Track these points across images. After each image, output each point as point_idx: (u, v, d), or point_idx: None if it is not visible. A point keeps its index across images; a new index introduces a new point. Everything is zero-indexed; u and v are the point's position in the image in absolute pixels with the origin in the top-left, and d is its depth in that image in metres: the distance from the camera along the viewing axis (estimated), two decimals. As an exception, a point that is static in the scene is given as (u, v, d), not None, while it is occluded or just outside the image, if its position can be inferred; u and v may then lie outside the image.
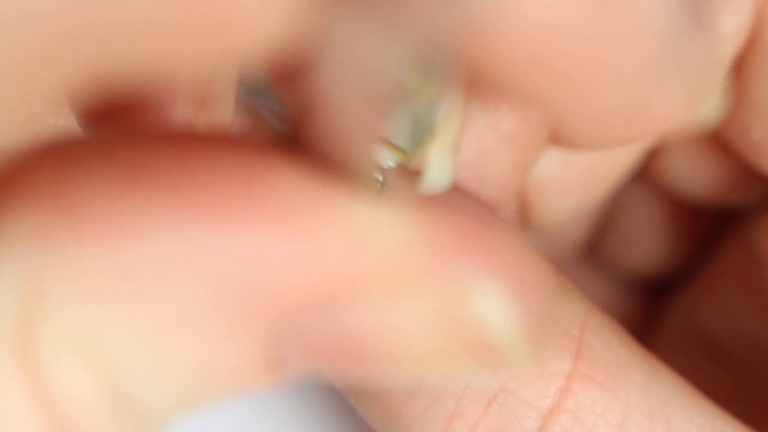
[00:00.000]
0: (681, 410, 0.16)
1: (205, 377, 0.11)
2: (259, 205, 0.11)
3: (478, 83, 0.11)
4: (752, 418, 0.18)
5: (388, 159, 0.13)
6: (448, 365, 0.11)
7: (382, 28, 0.09)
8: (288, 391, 0.24)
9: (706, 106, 0.13)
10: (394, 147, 0.13)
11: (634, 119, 0.12)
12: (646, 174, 0.22)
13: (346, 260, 0.11)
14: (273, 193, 0.11)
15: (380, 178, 0.12)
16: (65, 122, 0.15)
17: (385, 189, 0.12)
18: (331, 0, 0.09)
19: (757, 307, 0.22)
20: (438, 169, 0.14)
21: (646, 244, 0.24)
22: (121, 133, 0.11)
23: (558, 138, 0.20)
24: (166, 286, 0.10)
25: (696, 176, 0.22)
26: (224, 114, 0.15)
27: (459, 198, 0.12)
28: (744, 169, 0.21)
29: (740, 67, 0.19)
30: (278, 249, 0.11)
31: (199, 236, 0.10)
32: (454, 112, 0.16)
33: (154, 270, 0.10)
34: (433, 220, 0.11)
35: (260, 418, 0.23)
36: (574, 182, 0.21)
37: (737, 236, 0.22)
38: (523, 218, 0.21)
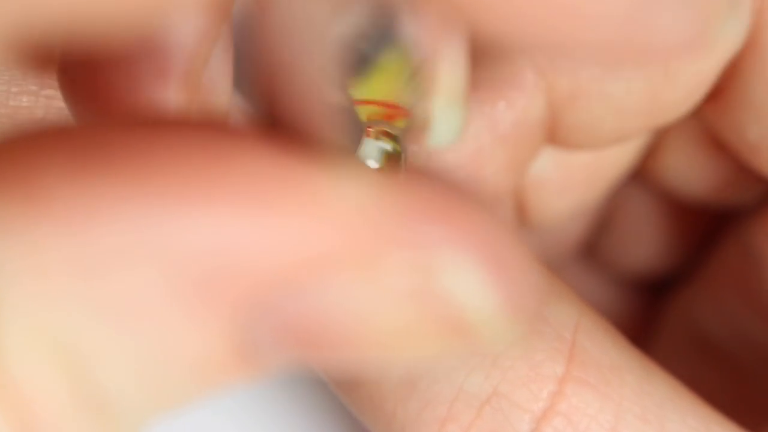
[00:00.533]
0: (675, 412, 0.16)
1: (177, 370, 0.11)
2: (219, 186, 0.10)
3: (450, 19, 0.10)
4: (749, 417, 0.18)
5: (354, 115, 0.13)
6: (423, 346, 0.11)
7: None
8: (287, 393, 0.24)
9: (726, 28, 0.11)
10: (358, 100, 0.13)
11: (634, 50, 0.10)
12: (643, 174, 0.22)
13: (310, 237, 0.10)
14: (233, 172, 0.10)
15: (359, 145, 0.12)
16: (53, 116, 0.15)
17: (355, 158, 0.12)
18: None
19: (755, 306, 0.21)
20: (446, 121, 0.13)
21: (644, 243, 0.24)
22: (91, 119, 0.11)
23: (555, 137, 0.20)
24: (126, 272, 0.10)
25: (693, 176, 0.22)
26: (220, 98, 0.15)
27: (433, 173, 0.12)
28: (741, 170, 0.21)
29: (738, 68, 0.19)
30: (239, 229, 0.10)
31: (159, 220, 0.10)
32: (458, 61, 0.15)
33: (113, 256, 0.10)
34: (402, 193, 0.11)
35: (259, 420, 0.23)
36: (572, 182, 0.21)
37: (734, 236, 0.22)
38: (520, 218, 0.21)
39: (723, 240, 0.23)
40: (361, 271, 0.10)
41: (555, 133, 0.19)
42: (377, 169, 0.11)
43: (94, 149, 0.10)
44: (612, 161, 0.21)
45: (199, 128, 0.11)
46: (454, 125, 0.13)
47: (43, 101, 0.19)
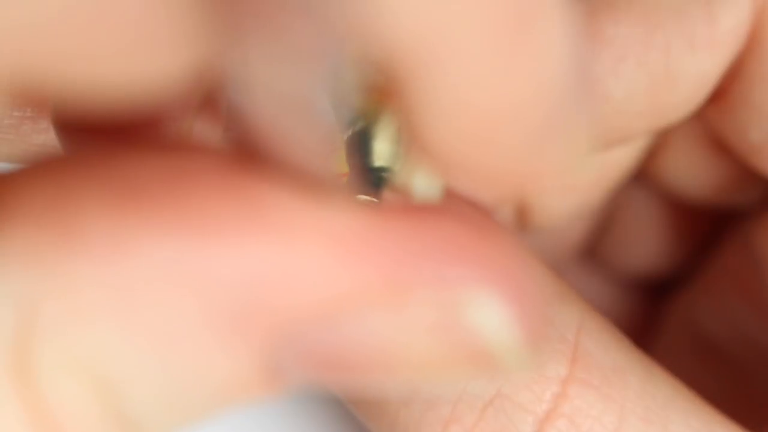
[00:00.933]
0: (677, 414, 0.16)
1: (204, 391, 0.11)
2: (251, 219, 0.11)
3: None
4: (751, 417, 0.18)
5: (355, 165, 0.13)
6: (446, 374, 0.11)
7: (285, 48, 0.09)
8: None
9: (576, 159, 0.13)
10: (351, 152, 0.13)
11: (517, 175, 0.12)
12: (645, 175, 0.22)
13: (339, 273, 0.11)
14: (265, 207, 0.11)
15: (362, 189, 0.12)
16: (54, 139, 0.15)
17: (375, 199, 0.12)
18: (232, 30, 0.09)
19: (756, 307, 0.22)
20: (424, 183, 0.14)
21: (646, 244, 0.24)
22: (113, 149, 0.11)
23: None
24: (161, 302, 0.10)
25: (695, 177, 0.22)
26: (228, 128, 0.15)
27: (455, 204, 0.12)
28: (743, 170, 0.21)
29: (740, 70, 0.19)
30: (272, 263, 0.11)
31: (193, 252, 0.10)
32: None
33: (148, 286, 0.10)
34: (428, 229, 0.11)
35: (260, 419, 0.23)
36: (574, 183, 0.21)
37: (736, 237, 0.22)
38: (522, 219, 0.21)
39: (724, 241, 0.23)
40: (388, 306, 0.11)
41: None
42: (404, 206, 0.11)
43: (127, 180, 0.11)
44: (614, 162, 0.21)
45: (226, 162, 0.11)
46: (433, 187, 0.14)
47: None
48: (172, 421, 0.11)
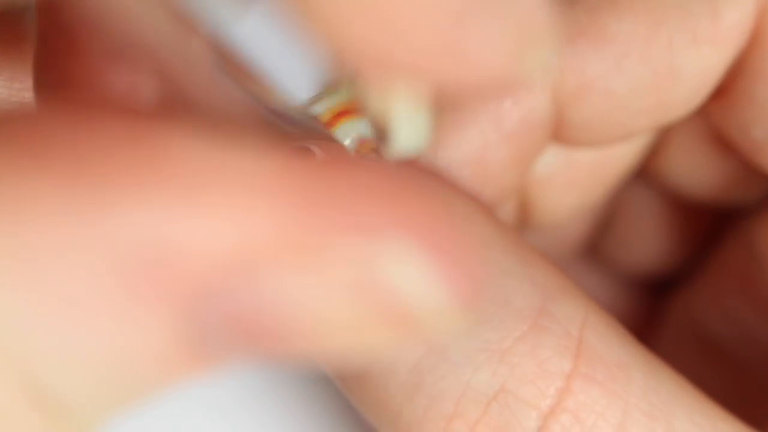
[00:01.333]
0: (681, 409, 0.16)
1: (124, 365, 0.10)
2: (156, 176, 0.10)
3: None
4: (752, 415, 0.18)
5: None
6: (368, 339, 0.11)
7: None
8: (292, 389, 0.24)
9: (535, 59, 0.11)
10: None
11: (446, 63, 0.10)
12: (647, 172, 0.22)
13: (244, 227, 0.10)
14: (169, 162, 0.10)
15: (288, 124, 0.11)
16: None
17: (306, 145, 0.11)
18: None
19: (757, 304, 0.21)
20: (408, 128, 0.13)
21: (647, 242, 0.24)
22: (15, 112, 0.11)
23: (560, 135, 0.20)
24: (66, 265, 0.10)
25: (697, 174, 0.22)
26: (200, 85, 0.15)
27: (395, 163, 0.11)
28: (745, 168, 0.21)
29: (743, 66, 0.19)
30: (177, 220, 0.10)
31: (95, 211, 0.10)
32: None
33: (51, 250, 0.10)
34: (348, 182, 0.10)
35: (265, 419, 0.23)
36: (576, 180, 0.21)
37: (738, 234, 0.22)
38: (524, 216, 0.21)
39: (726, 239, 0.23)
40: (301, 261, 0.10)
41: (560, 130, 0.19)
42: (328, 159, 0.11)
43: (27, 140, 0.10)
44: (616, 159, 0.21)
45: (130, 116, 0.10)
46: (417, 132, 0.13)
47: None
48: (101, 401, 0.10)
